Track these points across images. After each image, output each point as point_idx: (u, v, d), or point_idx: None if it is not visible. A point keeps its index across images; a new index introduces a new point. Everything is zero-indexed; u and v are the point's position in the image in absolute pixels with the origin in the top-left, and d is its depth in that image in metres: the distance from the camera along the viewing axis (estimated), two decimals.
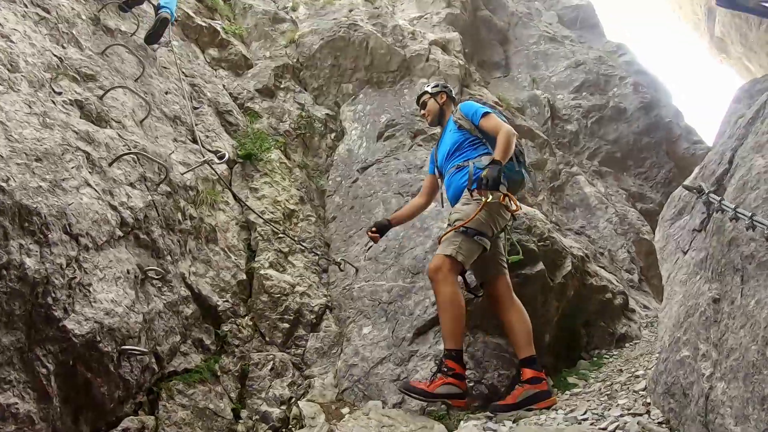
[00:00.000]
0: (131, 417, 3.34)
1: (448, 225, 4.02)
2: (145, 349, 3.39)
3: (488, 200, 3.79)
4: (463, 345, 3.83)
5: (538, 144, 8.67)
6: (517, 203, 4.03)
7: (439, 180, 4.64)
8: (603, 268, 6.64)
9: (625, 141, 10.08)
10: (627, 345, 5.34)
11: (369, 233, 4.73)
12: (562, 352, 4.86)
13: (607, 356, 4.95)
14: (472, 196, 3.96)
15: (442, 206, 4.78)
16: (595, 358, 4.92)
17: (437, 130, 5.07)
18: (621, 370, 4.22)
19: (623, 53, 11.92)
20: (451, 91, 4.89)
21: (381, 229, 4.71)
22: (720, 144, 3.17)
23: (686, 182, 3.66)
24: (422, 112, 4.89)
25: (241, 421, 3.98)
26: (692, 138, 10.30)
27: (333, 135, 7.35)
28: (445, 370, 3.64)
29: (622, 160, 10.06)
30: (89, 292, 3.09)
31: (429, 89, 4.83)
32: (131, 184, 3.88)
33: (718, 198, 2.55)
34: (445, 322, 3.78)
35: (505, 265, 4.17)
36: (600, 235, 8.08)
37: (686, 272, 3.05)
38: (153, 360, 3.57)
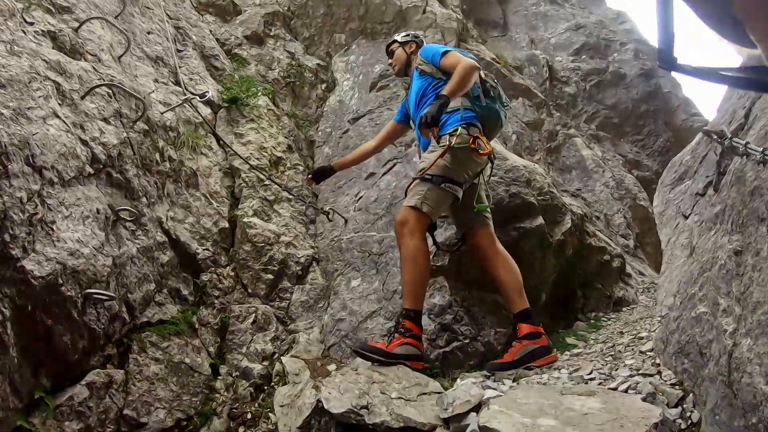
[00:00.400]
0: (98, 370, 3.04)
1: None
2: (112, 294, 3.07)
3: (451, 144, 3.53)
4: (423, 305, 3.61)
5: (536, 104, 8.42)
6: (489, 144, 3.73)
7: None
8: (600, 231, 6.46)
9: (623, 107, 9.96)
10: (624, 309, 5.21)
11: (306, 179, 4.79)
12: (558, 313, 4.69)
13: (605, 319, 4.80)
14: (438, 142, 3.68)
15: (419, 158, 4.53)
16: (592, 321, 4.75)
17: None
18: (622, 332, 4.04)
19: (623, 21, 11.62)
20: (422, 41, 4.62)
21: (321, 174, 4.75)
22: (728, 105, 2.98)
23: (687, 147, 3.54)
24: (390, 61, 4.69)
25: (219, 377, 3.75)
26: (690, 110, 10.18)
27: (324, 86, 7.09)
28: (402, 330, 3.45)
29: (619, 125, 9.96)
30: (52, 230, 2.79)
31: (398, 38, 4.62)
32: (105, 120, 3.56)
33: (743, 141, 2.33)
34: (405, 279, 3.55)
35: (488, 215, 3.88)
36: (596, 199, 7.91)
37: (688, 236, 2.92)
38: (123, 309, 3.29)
